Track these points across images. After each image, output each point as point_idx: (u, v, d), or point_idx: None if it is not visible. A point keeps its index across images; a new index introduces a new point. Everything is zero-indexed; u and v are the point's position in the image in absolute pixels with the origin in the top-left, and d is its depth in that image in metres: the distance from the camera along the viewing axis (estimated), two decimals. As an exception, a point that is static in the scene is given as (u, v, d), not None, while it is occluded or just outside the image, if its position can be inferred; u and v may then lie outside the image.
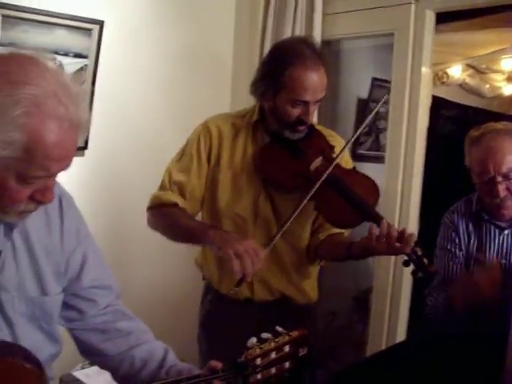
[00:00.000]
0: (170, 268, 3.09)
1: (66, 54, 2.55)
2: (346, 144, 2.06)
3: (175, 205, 2.01)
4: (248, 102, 3.11)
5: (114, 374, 1.49)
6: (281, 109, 1.90)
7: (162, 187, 2.06)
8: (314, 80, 1.86)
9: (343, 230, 2.09)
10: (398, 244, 1.78)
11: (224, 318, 2.11)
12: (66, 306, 1.42)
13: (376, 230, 1.80)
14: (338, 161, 1.98)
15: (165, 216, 2.01)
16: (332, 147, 2.05)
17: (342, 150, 2.01)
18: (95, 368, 2.55)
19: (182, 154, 2.08)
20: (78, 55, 2.60)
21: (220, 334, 2.10)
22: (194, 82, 3.14)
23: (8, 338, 1.28)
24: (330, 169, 1.93)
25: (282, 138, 1.98)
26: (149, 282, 3.04)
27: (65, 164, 1.16)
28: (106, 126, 2.68)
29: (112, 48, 2.74)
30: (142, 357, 1.44)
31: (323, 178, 1.90)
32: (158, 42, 2.98)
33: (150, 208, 2.06)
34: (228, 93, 3.32)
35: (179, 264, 2.95)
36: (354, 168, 2.07)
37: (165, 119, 3.04)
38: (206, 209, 2.09)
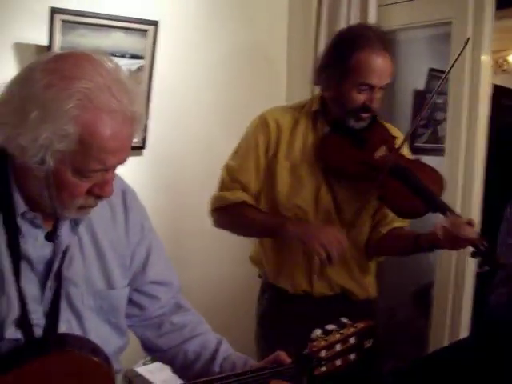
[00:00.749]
0: (226, 266, 3.11)
1: (122, 56, 2.60)
2: (409, 132, 2.05)
3: (243, 202, 2.01)
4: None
5: (172, 368, 1.51)
6: (346, 95, 1.89)
7: (224, 186, 2.07)
8: (381, 64, 1.86)
9: (405, 224, 2.06)
10: (466, 234, 1.73)
11: (282, 315, 2.10)
12: (128, 302, 1.44)
13: (445, 222, 1.76)
14: (401, 150, 1.96)
15: (236, 215, 2.02)
16: (394, 137, 2.03)
17: (405, 138, 2.00)
18: (157, 364, 2.60)
19: (240, 148, 2.09)
20: (134, 56, 2.65)
21: (278, 333, 2.09)
22: (249, 83, 3.15)
23: (77, 331, 1.31)
24: (396, 155, 1.92)
25: (344, 127, 1.96)
26: (205, 280, 3.06)
27: (121, 157, 1.16)
28: (163, 126, 2.72)
29: (167, 48, 2.77)
30: (195, 350, 1.45)
31: (389, 165, 1.89)
32: (211, 42, 3.00)
33: (216, 209, 2.06)
34: (283, 94, 3.32)
35: (235, 261, 2.95)
36: (418, 159, 2.03)
37: (220, 119, 3.05)
38: (264, 202, 2.08)
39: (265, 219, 1.99)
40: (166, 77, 2.79)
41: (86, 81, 1.08)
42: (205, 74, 2.99)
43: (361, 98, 1.88)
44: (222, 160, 2.13)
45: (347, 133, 1.96)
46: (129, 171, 1.36)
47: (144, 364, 2.74)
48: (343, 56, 1.88)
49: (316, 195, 2.01)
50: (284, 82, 3.33)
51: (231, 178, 2.05)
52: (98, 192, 1.19)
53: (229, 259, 3.03)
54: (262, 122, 2.05)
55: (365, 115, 1.92)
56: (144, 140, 2.73)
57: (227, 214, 2.04)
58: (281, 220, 1.97)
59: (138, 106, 1.15)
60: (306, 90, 3.03)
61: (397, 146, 1.98)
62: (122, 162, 1.18)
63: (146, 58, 2.69)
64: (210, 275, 3.09)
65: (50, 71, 1.10)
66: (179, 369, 1.49)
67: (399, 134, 2.09)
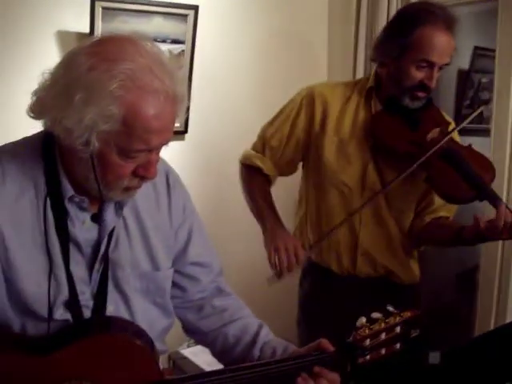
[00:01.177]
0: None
1: (163, 41, 2.61)
2: (464, 120, 1.98)
3: (260, 169, 2.05)
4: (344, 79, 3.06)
5: (212, 351, 1.52)
6: (404, 71, 1.85)
7: (255, 147, 2.12)
8: (444, 41, 1.81)
9: (449, 214, 2.03)
10: None
11: (324, 298, 2.10)
12: None
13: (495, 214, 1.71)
14: (453, 134, 1.92)
15: (247, 179, 2.10)
16: (448, 122, 1.99)
17: (460, 125, 1.96)
18: (201, 346, 2.62)
19: (280, 113, 2.09)
20: (175, 41, 2.65)
21: (320, 317, 2.09)
22: (288, 67, 3.12)
23: (124, 313, 1.33)
24: (447, 138, 1.88)
25: (398, 106, 1.92)
26: (247, 263, 3.07)
27: (164, 137, 1.17)
28: (204, 110, 2.72)
29: (207, 33, 2.77)
30: (235, 334, 1.45)
31: (438, 146, 1.85)
32: (251, 26, 2.99)
33: (240, 162, 2.14)
34: (323, 79, 3.26)
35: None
36: (470, 146, 1.99)
37: (259, 104, 3.03)
38: (309, 177, 2.08)
39: (261, 204, 2.04)
40: (206, 61, 2.78)
41: (128, 62, 1.09)
42: (245, 58, 2.98)
43: (419, 75, 1.84)
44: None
45: (401, 112, 1.93)
46: (171, 155, 1.38)
47: (188, 346, 2.78)
48: (405, 30, 1.83)
49: (363, 173, 1.98)
50: (324, 67, 3.29)
51: (264, 144, 2.08)
52: (143, 173, 1.20)
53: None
54: (309, 95, 2.04)
55: (421, 94, 1.88)
56: (186, 124, 2.74)
57: (244, 174, 2.12)
58: (270, 215, 2.01)
59: (179, 86, 1.16)
60: (347, 75, 2.99)
61: (449, 130, 1.94)
62: (165, 142, 1.19)
63: (187, 43, 2.69)
64: (252, 258, 3.09)
65: (93, 54, 1.11)
66: (219, 352, 1.50)
67: (451, 120, 2.06)
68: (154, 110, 1.11)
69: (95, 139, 1.10)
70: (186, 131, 2.77)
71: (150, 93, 1.10)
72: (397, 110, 1.93)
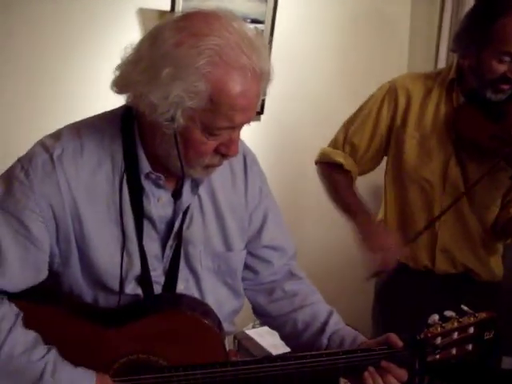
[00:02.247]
0: (345, 233, 3.06)
1: (243, 20, 2.59)
2: None
3: (340, 166, 2.01)
4: (425, 67, 2.97)
5: (281, 335, 1.52)
6: (485, 64, 1.78)
7: (334, 144, 2.07)
8: None
9: None
10: None
11: (401, 290, 2.06)
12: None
13: None
14: None
15: (329, 177, 2.05)
16: None
17: None
18: (267, 328, 2.63)
19: (362, 109, 2.04)
20: (255, 21, 2.63)
21: (396, 308, 2.05)
22: (369, 47, 3.06)
23: (194, 291, 1.35)
24: None
25: (480, 99, 1.85)
26: (321, 245, 3.05)
27: (248, 115, 1.16)
28: (281, 91, 2.69)
29: (287, 13, 2.74)
30: (304, 319, 1.44)
31: None
32: (331, 7, 2.93)
33: (317, 162, 2.09)
34: (404, 62, 3.19)
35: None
36: None
37: (339, 84, 3.00)
38: (390, 172, 2.05)
39: (348, 198, 2.00)
40: (285, 41, 2.75)
41: (215, 37, 1.08)
42: (324, 41, 2.93)
43: (501, 68, 1.76)
44: (337, 128, 2.10)
45: (484, 105, 1.85)
46: (247, 136, 1.36)
47: (253, 327, 2.79)
48: (486, 21, 1.75)
49: (444, 169, 1.93)
50: (406, 50, 3.20)
51: (344, 139, 2.04)
52: (225, 151, 1.19)
53: (348, 226, 2.98)
54: (392, 90, 1.99)
55: (504, 87, 1.79)
56: (262, 105, 2.73)
57: (323, 172, 2.07)
58: (358, 208, 1.97)
59: (265, 62, 1.14)
60: (429, 58, 2.89)
61: None
62: (248, 120, 1.18)
63: (267, 23, 2.67)
64: (326, 241, 3.07)
65: (180, 29, 1.10)
66: (287, 337, 1.49)
67: None
68: (240, 87, 1.10)
69: (180, 115, 1.10)
70: (261, 112, 2.76)
71: (237, 69, 1.09)
72: (479, 103, 1.86)
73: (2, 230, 1.17)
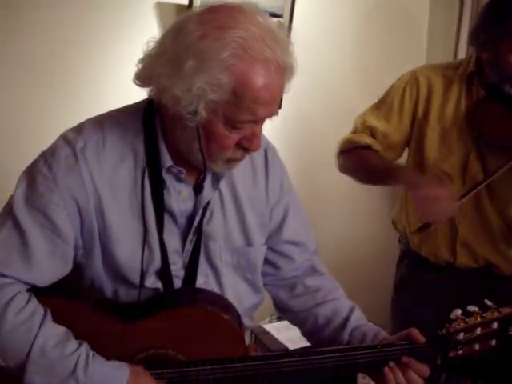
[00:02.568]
0: (363, 226, 3.06)
1: (263, 14, 2.58)
2: None
3: (368, 147, 1.97)
4: (444, 60, 2.93)
5: (302, 330, 1.51)
6: (503, 59, 1.74)
7: (353, 130, 2.04)
8: None
9: None
10: None
11: (422, 283, 2.04)
12: (264, 260, 1.45)
13: None
14: None
15: (357, 156, 1.98)
16: None
17: None
18: (284, 322, 2.64)
19: (382, 99, 2.02)
20: (272, 15, 2.61)
21: (416, 300, 2.03)
22: (388, 41, 3.03)
23: (214, 286, 1.34)
24: None
25: (500, 93, 1.82)
26: (340, 238, 3.04)
27: (271, 109, 1.15)
28: (299, 84, 2.68)
29: (305, 7, 2.72)
30: (326, 315, 1.43)
31: None
32: (351, 2, 2.91)
33: (342, 152, 2.03)
34: (423, 56, 3.16)
35: (374, 223, 2.91)
36: None
37: (356, 78, 2.98)
38: (410, 165, 2.02)
39: (383, 164, 1.93)
40: (303, 35, 2.72)
41: (240, 30, 1.08)
42: (342, 32, 2.92)
43: None
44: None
45: (503, 99, 1.82)
46: (265, 129, 1.35)
47: (270, 321, 2.79)
48: (504, 15, 1.72)
49: (465, 163, 1.90)
50: (424, 44, 3.17)
51: (363, 124, 2.01)
52: (247, 145, 1.19)
53: (367, 219, 2.95)
54: (413, 79, 1.96)
55: None
56: (280, 99, 2.71)
57: (350, 156, 2.01)
58: (398, 166, 1.92)
59: (289, 56, 1.13)
60: (448, 53, 2.86)
61: None
62: (271, 114, 1.17)
63: (285, 17, 2.65)
64: (345, 233, 3.06)
65: (204, 22, 1.10)
66: (308, 332, 1.48)
67: None
68: (263, 81, 1.09)
69: (202, 108, 1.10)
70: (279, 106, 2.75)
71: (261, 62, 1.08)
72: (499, 97, 1.83)
73: (28, 224, 1.18)
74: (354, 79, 2.96)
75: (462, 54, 2.87)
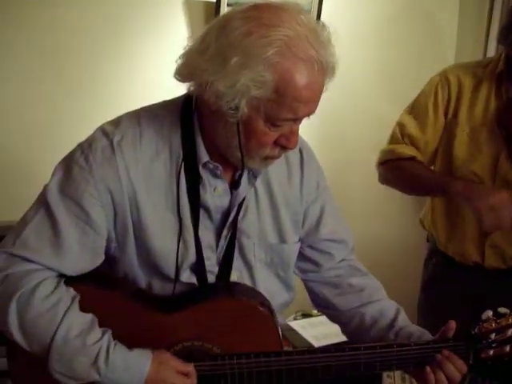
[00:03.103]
0: (392, 226, 3.03)
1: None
2: None
3: (412, 158, 1.95)
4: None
5: (344, 329, 1.51)
6: None
7: (393, 140, 2.01)
8: None
9: None
10: None
11: (449, 283, 2.04)
12: (302, 257, 1.46)
13: None
14: None
15: (403, 168, 1.96)
16: None
17: None
18: (309, 320, 2.65)
19: (416, 105, 2.00)
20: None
21: (443, 300, 2.03)
22: (415, 42, 3.00)
23: (247, 281, 1.36)
24: None
25: None
26: (369, 238, 3.02)
27: (311, 108, 1.16)
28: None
29: (333, 4, 2.71)
30: (373, 315, 1.43)
31: None
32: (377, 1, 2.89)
33: (383, 162, 2.01)
34: (452, 56, 3.11)
35: (402, 222, 2.89)
36: None
37: (382, 79, 2.95)
38: (438, 166, 2.00)
39: (432, 176, 1.93)
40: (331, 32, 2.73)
41: (285, 29, 1.09)
42: (368, 33, 2.90)
43: None
44: (385, 121, 2.07)
45: None
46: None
47: (295, 319, 2.79)
48: None
49: (495, 163, 1.89)
50: (453, 46, 3.12)
51: (402, 133, 1.99)
52: (285, 143, 1.20)
53: (395, 219, 2.93)
54: (443, 79, 1.95)
55: None
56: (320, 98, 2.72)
57: (394, 167, 1.98)
58: (448, 178, 1.90)
59: (331, 56, 1.14)
60: (477, 55, 2.83)
61: None
62: (311, 113, 1.18)
63: (312, 14, 2.64)
64: (374, 234, 3.04)
65: (249, 19, 1.11)
66: (353, 331, 1.47)
67: None
68: (306, 80, 1.10)
69: (244, 105, 1.11)
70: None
71: (305, 61, 1.10)
72: None
73: (61, 213, 1.19)
74: (380, 80, 2.94)
75: (491, 54, 2.84)
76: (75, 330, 1.16)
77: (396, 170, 1.98)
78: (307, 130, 2.71)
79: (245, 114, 1.13)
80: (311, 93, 1.12)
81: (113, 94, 2.43)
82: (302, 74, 1.10)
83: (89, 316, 1.20)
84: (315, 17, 2.65)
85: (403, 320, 1.42)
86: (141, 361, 1.18)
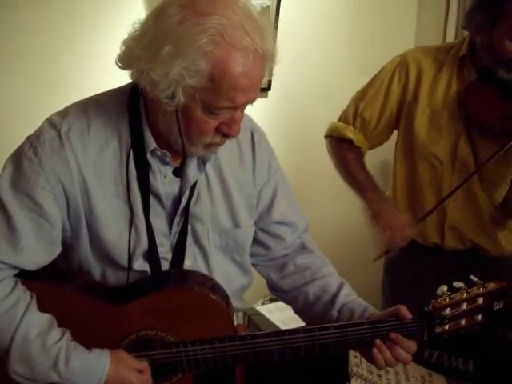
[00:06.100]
0: (353, 210, 3.03)
1: (249, -4, 2.56)
2: None
3: (350, 142, 2.00)
4: (433, 39, 2.93)
5: (294, 309, 1.52)
6: (497, 43, 1.73)
7: (344, 118, 2.05)
8: None
9: None
10: None
11: (410, 264, 2.06)
12: (255, 240, 1.45)
13: None
14: None
15: (338, 152, 2.04)
16: None
17: None
18: (277, 304, 2.66)
19: (372, 83, 2.01)
20: (260, -4, 2.60)
21: (405, 281, 2.06)
22: (376, 21, 3.02)
23: (202, 267, 1.35)
24: None
25: (493, 77, 1.81)
26: (330, 222, 3.04)
27: (250, 96, 1.15)
28: (288, 67, 2.66)
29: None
30: (315, 292, 1.44)
31: None
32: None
33: (328, 136, 2.08)
34: (412, 32, 3.15)
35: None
36: None
37: (346, 59, 2.96)
38: (399, 148, 2.02)
39: (358, 175, 2.00)
40: (291, 17, 2.72)
41: (219, 17, 1.07)
42: (331, 15, 2.91)
43: None
44: (345, 103, 2.08)
45: (496, 83, 1.81)
46: (254, 112, 1.35)
47: (263, 304, 2.80)
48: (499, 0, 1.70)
49: (455, 146, 1.90)
50: (414, 22, 3.16)
51: (355, 111, 2.02)
52: (226, 130, 1.19)
53: (356, 203, 2.95)
54: (402, 63, 1.96)
55: None
56: (269, 82, 2.71)
57: (333, 146, 2.06)
58: (369, 185, 1.99)
59: (269, 43, 1.13)
60: (437, 31, 2.85)
61: None
62: (251, 101, 1.17)
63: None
64: (335, 217, 3.06)
65: (185, 7, 1.09)
66: (300, 311, 1.50)
67: None
68: (242, 68, 1.09)
69: (181, 93, 1.10)
70: (269, 89, 2.74)
71: (240, 50, 1.08)
72: (492, 81, 1.82)
73: (14, 208, 1.18)
74: (344, 64, 2.95)
75: (450, 34, 2.87)
76: (35, 329, 1.17)
77: (334, 149, 2.06)
78: (272, 111, 2.73)
79: (181, 103, 1.11)
80: (248, 81, 1.11)
81: (72, 83, 2.41)
82: (236, 62, 1.08)
83: (47, 316, 1.20)
84: (276, 1, 2.64)
85: (345, 295, 1.42)
86: (100, 362, 1.19)
